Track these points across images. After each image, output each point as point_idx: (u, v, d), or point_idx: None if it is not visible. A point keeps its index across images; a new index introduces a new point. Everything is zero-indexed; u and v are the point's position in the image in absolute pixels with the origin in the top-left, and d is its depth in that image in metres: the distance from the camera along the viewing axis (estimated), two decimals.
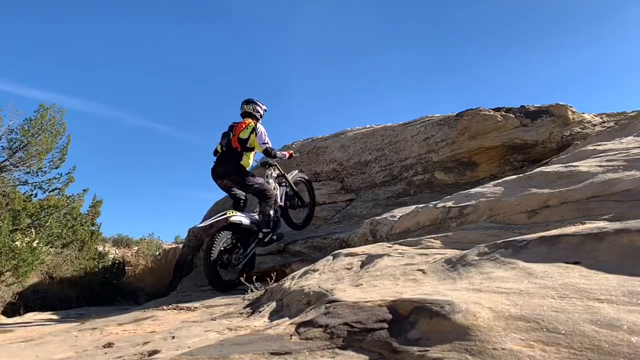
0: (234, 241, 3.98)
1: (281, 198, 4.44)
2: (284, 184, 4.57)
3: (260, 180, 4.06)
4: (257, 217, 4.12)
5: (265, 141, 4.03)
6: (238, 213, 3.94)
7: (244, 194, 4.19)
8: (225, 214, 3.83)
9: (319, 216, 5.26)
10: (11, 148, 5.97)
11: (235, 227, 3.90)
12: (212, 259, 3.68)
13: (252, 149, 4.04)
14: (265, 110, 4.32)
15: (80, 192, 6.48)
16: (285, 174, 4.59)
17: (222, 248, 3.82)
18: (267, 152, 4.08)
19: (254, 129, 4.02)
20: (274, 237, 4.10)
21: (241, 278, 3.40)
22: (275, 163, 4.45)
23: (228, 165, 3.96)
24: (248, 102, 4.24)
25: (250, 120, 4.12)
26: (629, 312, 0.86)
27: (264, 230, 4.01)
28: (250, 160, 4.09)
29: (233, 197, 4.18)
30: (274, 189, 4.32)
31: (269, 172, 4.41)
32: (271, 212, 4.06)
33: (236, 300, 2.98)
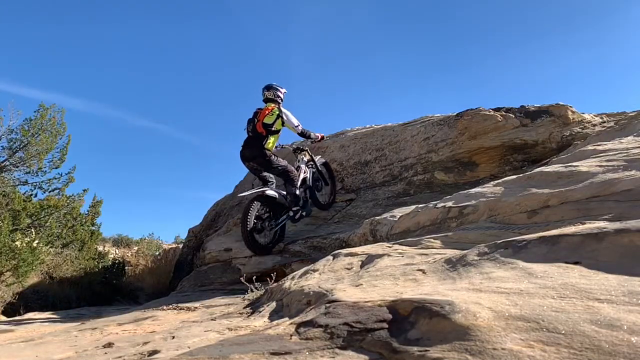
0: (267, 211, 4.34)
1: (309, 180, 4.74)
2: (311, 165, 4.87)
3: (283, 162, 4.36)
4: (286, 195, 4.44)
5: (297, 124, 4.42)
6: (273, 188, 4.34)
7: (272, 176, 4.48)
8: (263, 187, 4.31)
9: (318, 216, 5.25)
10: (11, 148, 5.96)
11: (269, 200, 4.31)
12: (248, 227, 4.03)
13: (276, 132, 4.34)
14: (285, 92, 4.62)
15: (80, 192, 6.49)
16: (315, 157, 4.96)
17: (255, 216, 4.16)
18: (303, 134, 4.54)
19: (279, 115, 4.32)
20: (304, 214, 4.46)
21: (275, 245, 4.29)
22: (307, 149, 4.87)
23: (254, 149, 4.26)
24: (268, 88, 4.55)
25: (273, 105, 4.41)
26: (629, 312, 0.86)
27: (294, 208, 4.37)
28: (275, 142, 4.38)
29: (262, 179, 4.48)
30: (305, 172, 4.68)
31: (301, 157, 4.81)
32: (297, 192, 4.39)
33: (236, 300, 2.99)
